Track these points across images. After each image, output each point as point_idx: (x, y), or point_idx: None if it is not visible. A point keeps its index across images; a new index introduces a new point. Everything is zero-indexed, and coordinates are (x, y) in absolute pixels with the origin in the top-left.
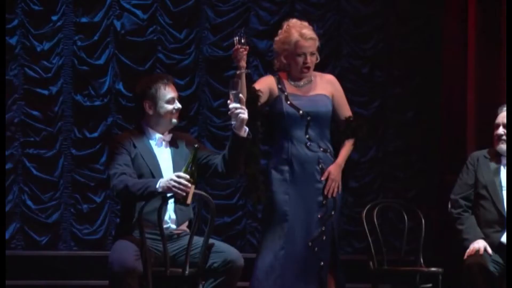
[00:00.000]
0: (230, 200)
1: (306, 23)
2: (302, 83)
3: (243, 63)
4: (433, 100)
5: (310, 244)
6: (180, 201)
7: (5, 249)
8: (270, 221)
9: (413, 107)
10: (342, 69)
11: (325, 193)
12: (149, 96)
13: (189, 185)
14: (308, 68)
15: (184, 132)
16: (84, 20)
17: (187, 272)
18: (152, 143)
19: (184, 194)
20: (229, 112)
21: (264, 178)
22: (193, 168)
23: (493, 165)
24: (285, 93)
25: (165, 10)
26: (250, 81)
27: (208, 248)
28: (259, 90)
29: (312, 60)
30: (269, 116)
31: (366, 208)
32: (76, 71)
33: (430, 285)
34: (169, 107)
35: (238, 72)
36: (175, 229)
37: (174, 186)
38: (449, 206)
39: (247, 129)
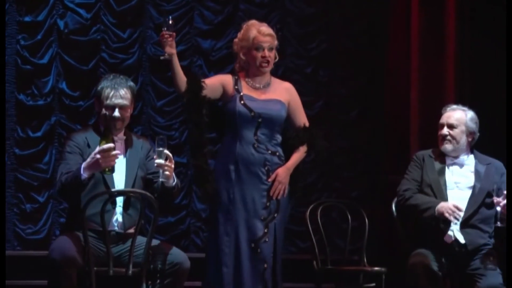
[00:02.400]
0: (171, 202)
1: (264, 23)
2: (259, 85)
3: (169, 49)
4: (377, 100)
5: (253, 245)
6: (109, 169)
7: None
8: (215, 220)
9: (357, 107)
10: (286, 69)
11: (271, 194)
12: (96, 93)
13: (114, 151)
14: (267, 62)
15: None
16: (27, 19)
17: (130, 272)
18: None
19: (114, 162)
20: (155, 165)
21: (210, 168)
22: (110, 135)
23: (437, 164)
24: (240, 94)
25: (108, 9)
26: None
27: (151, 248)
28: (202, 81)
29: (270, 55)
30: (222, 115)
31: (310, 208)
32: (19, 70)
33: (373, 284)
34: (106, 113)
35: (161, 57)
36: (122, 232)
37: (101, 159)
38: (397, 198)
39: (175, 179)
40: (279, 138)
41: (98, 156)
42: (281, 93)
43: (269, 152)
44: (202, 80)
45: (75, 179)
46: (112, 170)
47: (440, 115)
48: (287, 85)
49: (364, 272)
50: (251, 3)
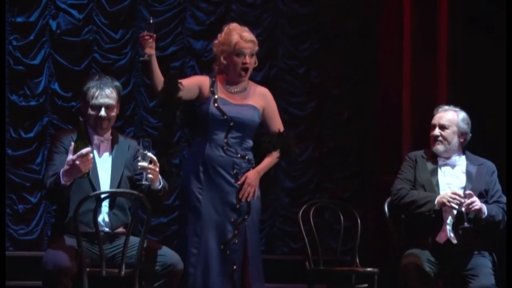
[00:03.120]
0: (157, 206)
1: (246, 28)
2: (235, 90)
3: (149, 50)
4: (369, 101)
5: (222, 247)
6: (86, 173)
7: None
8: (185, 220)
9: (350, 108)
10: (279, 70)
11: (240, 196)
12: (81, 94)
13: (91, 155)
14: (247, 69)
15: (122, 133)
16: (19, 19)
17: (123, 272)
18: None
19: (91, 165)
20: (139, 168)
21: (171, 170)
22: (84, 138)
23: (430, 165)
24: (215, 96)
25: (101, 10)
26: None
27: (144, 249)
28: (179, 82)
29: (251, 62)
30: (197, 116)
31: (303, 208)
32: (11, 71)
33: (366, 285)
34: (92, 113)
35: (141, 58)
36: (111, 232)
37: (80, 164)
38: (392, 198)
39: (161, 182)
40: (250, 143)
41: (77, 162)
42: (256, 99)
43: (239, 155)
44: (179, 81)
45: (56, 184)
46: (88, 173)
47: (432, 115)
48: (263, 91)
49: (357, 272)
50: (243, 4)
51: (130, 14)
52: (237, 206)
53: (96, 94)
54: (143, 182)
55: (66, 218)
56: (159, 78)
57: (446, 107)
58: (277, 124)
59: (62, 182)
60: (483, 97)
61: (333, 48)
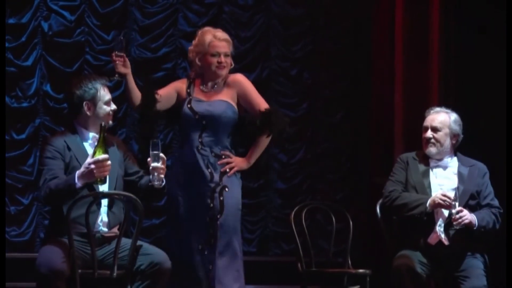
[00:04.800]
0: (158, 202)
1: (220, 29)
2: (210, 86)
3: (123, 69)
4: (361, 103)
5: (200, 247)
6: (101, 180)
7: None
8: (169, 222)
9: (342, 109)
10: (271, 71)
11: (218, 163)
12: (89, 96)
13: (108, 162)
14: (223, 68)
15: (112, 134)
16: (11, 21)
17: (115, 274)
18: (86, 144)
19: (107, 172)
20: (150, 169)
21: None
22: (104, 145)
23: (422, 166)
24: (190, 97)
25: (93, 11)
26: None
27: (136, 250)
28: (158, 95)
29: (226, 61)
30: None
31: (295, 210)
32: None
33: (358, 286)
34: (107, 108)
35: (111, 78)
36: (106, 232)
37: (95, 169)
38: (383, 200)
39: (164, 180)
40: (228, 141)
41: (92, 166)
42: (228, 90)
43: (213, 154)
44: (156, 92)
45: (68, 187)
46: (104, 180)
47: (424, 117)
48: (234, 78)
49: (349, 274)
50: (236, 5)
51: (122, 16)
52: (211, 205)
53: (106, 90)
54: (156, 183)
55: (61, 220)
56: (136, 96)
57: (438, 108)
58: (258, 105)
59: (77, 184)
60: (476, 98)
61: (325, 50)
